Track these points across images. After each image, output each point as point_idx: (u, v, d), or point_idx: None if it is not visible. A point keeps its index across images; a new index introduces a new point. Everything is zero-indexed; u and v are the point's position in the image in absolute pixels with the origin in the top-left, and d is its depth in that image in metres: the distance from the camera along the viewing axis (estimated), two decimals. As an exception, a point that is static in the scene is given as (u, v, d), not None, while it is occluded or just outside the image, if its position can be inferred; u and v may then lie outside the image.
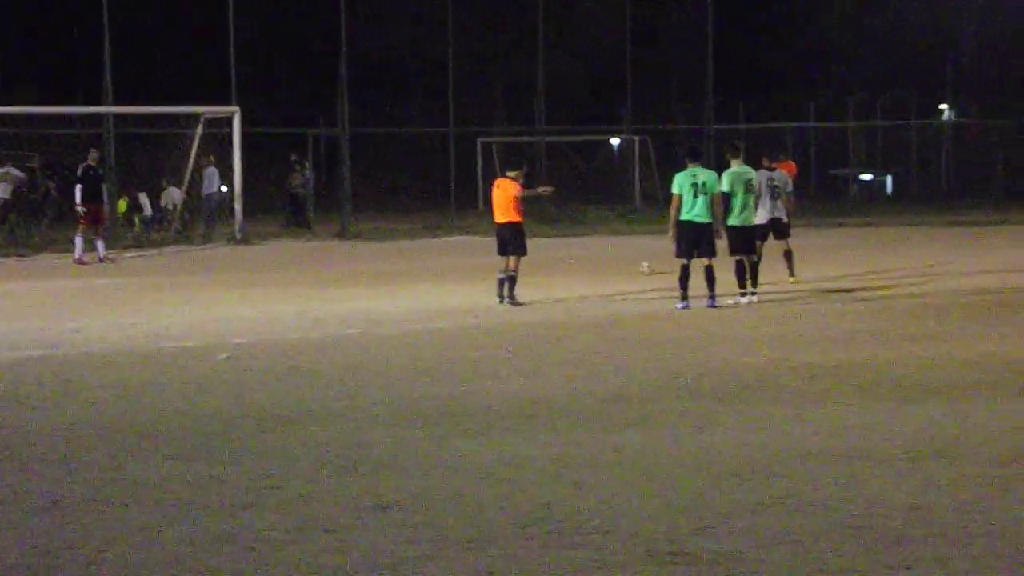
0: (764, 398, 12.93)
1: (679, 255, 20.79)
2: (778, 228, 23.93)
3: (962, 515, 8.64)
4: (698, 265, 20.61)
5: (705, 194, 20.63)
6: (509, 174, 22.33)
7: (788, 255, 24.36)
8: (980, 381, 13.70)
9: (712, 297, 20.60)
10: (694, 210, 20.64)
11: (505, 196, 22.00)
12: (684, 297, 20.54)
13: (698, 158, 21.27)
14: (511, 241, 21.92)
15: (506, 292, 21.70)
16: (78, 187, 32.46)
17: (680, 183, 20.72)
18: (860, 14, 58.47)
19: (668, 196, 21.40)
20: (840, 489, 9.30)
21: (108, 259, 32.21)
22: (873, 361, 15.08)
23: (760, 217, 22.45)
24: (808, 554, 7.88)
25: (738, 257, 21.37)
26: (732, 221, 21.23)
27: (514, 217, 21.94)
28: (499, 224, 22.20)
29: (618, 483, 9.58)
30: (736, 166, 21.59)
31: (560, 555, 7.94)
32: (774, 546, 8.03)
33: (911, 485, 9.41)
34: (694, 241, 20.68)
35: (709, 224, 20.78)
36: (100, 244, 32.53)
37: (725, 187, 21.07)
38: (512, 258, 21.83)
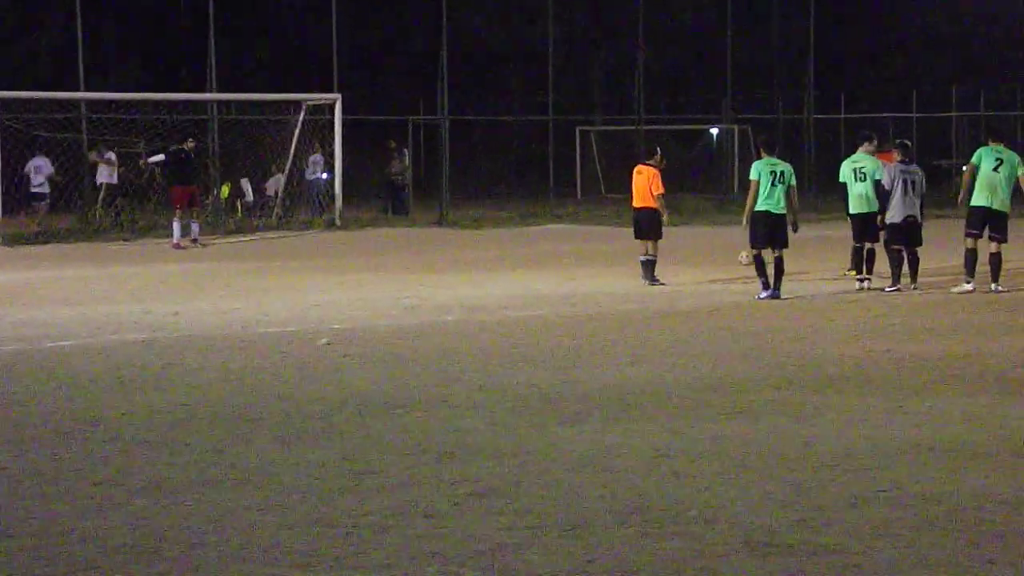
0: (865, 390, 12.84)
1: (754, 244, 20.76)
2: (913, 230, 21.57)
3: (1067, 510, 8.54)
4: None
5: (783, 183, 20.60)
6: (648, 162, 22.95)
7: (914, 261, 21.67)
8: (1085, 375, 13.52)
9: (777, 288, 20.47)
10: (771, 200, 20.61)
11: (644, 182, 22.64)
12: (766, 286, 20.48)
13: (773, 150, 21.26)
14: (648, 226, 22.69)
15: (648, 274, 22.64)
16: (159, 156, 33.39)
17: (759, 170, 20.69)
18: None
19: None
20: (942, 482, 9.22)
21: (201, 243, 32.53)
22: (976, 354, 14.92)
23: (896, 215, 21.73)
24: (909, 548, 7.83)
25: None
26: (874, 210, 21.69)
27: (650, 203, 22.68)
28: (636, 209, 23.02)
29: (717, 474, 9.55)
30: (863, 152, 22.16)
31: (658, 545, 7.93)
32: (874, 539, 7.99)
33: (1015, 479, 9.32)
34: (770, 231, 20.63)
35: (783, 215, 20.73)
36: (195, 227, 32.88)
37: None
38: (650, 242, 22.68)
